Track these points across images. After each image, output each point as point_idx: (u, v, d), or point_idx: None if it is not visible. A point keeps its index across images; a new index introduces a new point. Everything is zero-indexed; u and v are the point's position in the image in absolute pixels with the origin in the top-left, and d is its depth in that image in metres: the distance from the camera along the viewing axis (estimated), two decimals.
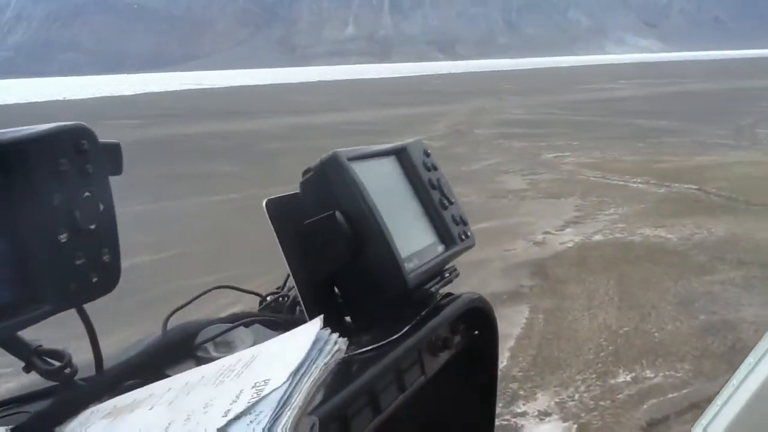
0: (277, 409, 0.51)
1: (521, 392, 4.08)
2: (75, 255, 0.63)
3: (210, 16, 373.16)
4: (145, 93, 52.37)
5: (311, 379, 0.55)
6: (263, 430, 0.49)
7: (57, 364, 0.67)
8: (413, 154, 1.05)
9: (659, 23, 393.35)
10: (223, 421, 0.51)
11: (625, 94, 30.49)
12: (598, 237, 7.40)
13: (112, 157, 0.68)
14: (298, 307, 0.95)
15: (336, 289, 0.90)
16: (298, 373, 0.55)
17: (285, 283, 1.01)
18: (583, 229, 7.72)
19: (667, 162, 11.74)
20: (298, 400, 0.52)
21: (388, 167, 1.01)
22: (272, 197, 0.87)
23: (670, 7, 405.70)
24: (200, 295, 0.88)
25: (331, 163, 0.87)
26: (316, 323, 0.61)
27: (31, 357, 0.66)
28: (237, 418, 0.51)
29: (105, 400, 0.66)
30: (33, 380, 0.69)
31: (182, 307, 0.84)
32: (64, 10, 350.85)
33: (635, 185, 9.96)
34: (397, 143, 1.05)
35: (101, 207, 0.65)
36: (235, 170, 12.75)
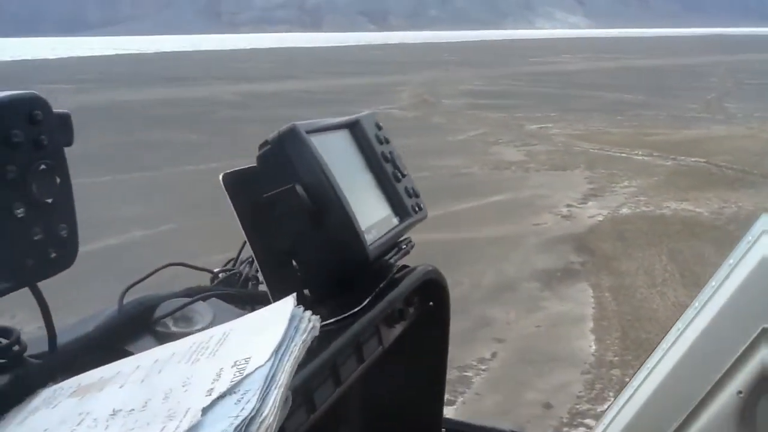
0: (264, 387, 0.50)
1: (627, 379, 3.68)
2: (32, 230, 0.61)
3: None
4: (70, 57, 49.60)
5: (292, 357, 0.54)
6: (253, 409, 0.48)
7: (4, 341, 0.65)
8: (366, 127, 1.02)
9: (587, 1, 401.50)
10: (207, 400, 0.49)
11: (575, 68, 30.58)
12: (625, 210, 7.07)
13: (63, 127, 0.65)
14: (251, 283, 0.97)
15: (294, 263, 0.87)
16: (279, 352, 0.54)
17: (237, 258, 1.00)
18: (605, 202, 7.38)
19: (657, 135, 11.57)
20: (282, 378, 0.52)
21: (343, 140, 1.00)
22: (228, 171, 0.85)
23: None
24: (155, 271, 0.86)
25: (290, 135, 0.86)
26: (290, 301, 0.61)
27: None
28: (222, 396, 0.50)
29: (64, 379, 0.64)
30: None
31: (138, 282, 0.82)
32: None
33: (639, 158, 9.71)
34: (351, 116, 1.02)
35: (57, 180, 0.63)
36: (201, 139, 11.89)
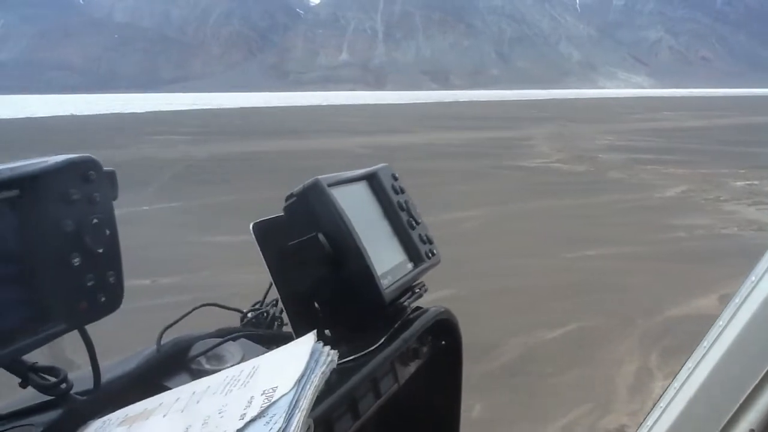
0: (289, 412, 0.57)
1: None
2: (85, 277, 0.67)
3: (203, 38, 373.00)
4: (158, 111, 50.49)
5: (312, 386, 0.61)
6: (280, 429, 0.55)
7: (52, 380, 0.70)
8: (383, 179, 1.10)
9: (649, 60, 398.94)
10: (240, 424, 0.57)
11: (691, 125, 29.25)
12: None
13: (111, 184, 0.71)
14: (276, 323, 1.04)
15: (316, 304, 0.94)
16: (301, 381, 0.61)
17: (264, 300, 1.06)
18: None
19: None
20: (304, 404, 0.59)
21: (362, 191, 1.06)
22: (258, 221, 0.93)
23: (660, 45, 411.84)
24: (189, 313, 0.92)
25: (313, 188, 0.93)
26: (311, 338, 0.68)
27: (28, 373, 0.68)
28: (253, 420, 0.57)
29: (108, 413, 0.69)
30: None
31: (174, 323, 0.89)
32: (53, 30, 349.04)
33: None
34: (368, 169, 1.09)
35: (107, 232, 0.69)
36: None
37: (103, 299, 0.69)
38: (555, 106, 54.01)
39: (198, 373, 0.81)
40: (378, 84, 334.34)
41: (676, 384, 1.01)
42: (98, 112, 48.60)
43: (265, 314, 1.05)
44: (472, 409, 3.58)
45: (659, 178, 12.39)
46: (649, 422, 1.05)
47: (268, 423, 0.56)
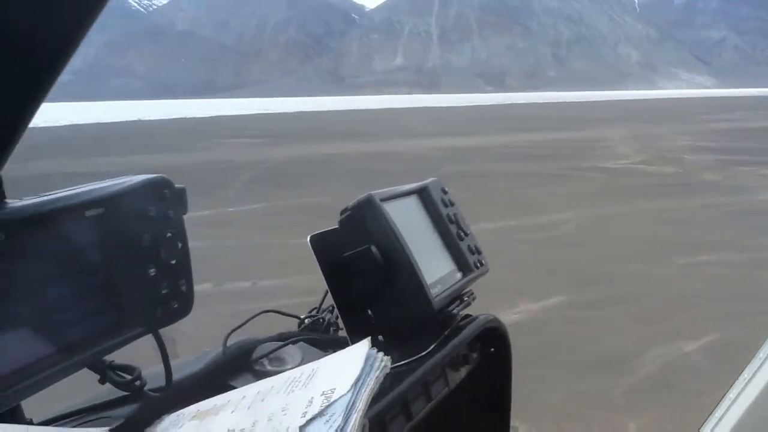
0: (346, 412, 0.61)
1: None
2: (161, 285, 0.73)
3: (260, 45, 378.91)
4: (219, 116, 51.27)
5: (368, 389, 0.65)
6: (339, 426, 0.59)
7: (127, 377, 0.77)
8: (433, 193, 1.15)
9: (712, 60, 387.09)
10: (302, 421, 0.61)
11: None
12: None
13: (182, 200, 0.78)
14: (332, 329, 1.09)
15: (369, 312, 0.99)
16: (357, 384, 0.65)
17: (320, 306, 1.12)
18: None
19: None
20: (360, 405, 0.62)
21: (413, 205, 1.11)
22: (314, 233, 0.98)
23: (724, 45, 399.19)
24: (252, 318, 0.99)
25: (367, 203, 0.98)
26: (366, 344, 0.71)
27: (107, 371, 0.75)
28: (314, 418, 0.61)
29: (178, 408, 0.74)
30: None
31: (238, 327, 0.95)
32: (120, 39, 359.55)
33: None
34: (419, 183, 1.14)
35: (179, 245, 0.76)
36: (467, 197, 10.70)
37: (175, 306, 0.75)
38: (617, 108, 52.73)
39: (261, 374, 0.87)
40: (432, 87, 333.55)
41: (746, 375, 1.03)
42: (162, 118, 49.64)
43: (321, 320, 1.10)
44: (627, 430, 3.31)
45: (759, 180, 11.80)
46: (718, 413, 1.10)
47: (327, 421, 0.60)
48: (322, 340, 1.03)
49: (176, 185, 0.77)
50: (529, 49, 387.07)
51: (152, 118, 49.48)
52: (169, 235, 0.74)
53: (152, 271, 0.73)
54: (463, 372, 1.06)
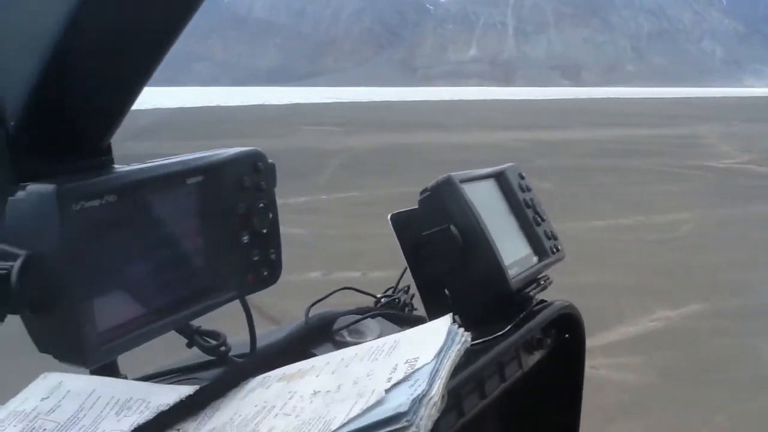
0: (431, 378, 0.62)
1: None
2: (252, 253, 0.77)
3: (335, 34, 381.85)
4: (297, 104, 51.60)
5: (450, 361, 0.66)
6: (423, 390, 0.60)
7: (213, 342, 0.80)
8: (510, 177, 1.16)
9: None
10: (387, 385, 0.63)
11: None
12: None
13: (273, 174, 0.81)
14: (407, 308, 1.11)
15: (447, 291, 1.02)
16: (440, 354, 0.66)
17: (396, 286, 1.14)
18: None
19: None
20: (443, 373, 0.64)
21: (490, 188, 1.13)
22: (395, 212, 1.02)
23: None
24: (333, 293, 1.04)
25: (446, 184, 1.01)
26: (447, 319, 0.73)
27: (194, 336, 0.79)
28: (398, 383, 0.63)
29: (264, 372, 0.77)
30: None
31: (320, 300, 1.01)
32: (201, 26, 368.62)
33: None
34: (496, 167, 1.15)
35: (270, 215, 0.78)
36: (570, 191, 10.22)
37: (265, 273, 0.78)
38: (705, 105, 50.44)
39: (341, 345, 0.89)
40: (506, 79, 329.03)
41: None
42: (241, 104, 50.38)
43: (396, 300, 1.11)
44: None
45: None
46: None
47: (412, 386, 0.61)
48: (399, 316, 1.05)
49: (269, 161, 0.80)
50: (607, 43, 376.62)
51: (231, 104, 50.28)
52: (261, 205, 0.77)
53: (245, 239, 0.75)
54: (537, 356, 1.05)
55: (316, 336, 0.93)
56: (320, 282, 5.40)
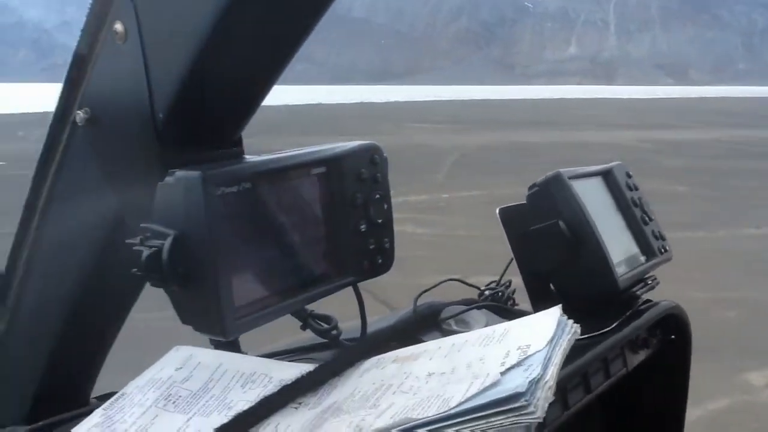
0: (544, 363, 0.64)
1: None
2: (369, 241, 0.81)
3: (432, 33, 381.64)
4: (397, 102, 51.56)
5: (561, 349, 0.67)
6: (537, 376, 0.61)
7: (325, 326, 0.85)
8: (618, 176, 1.16)
9: None
10: (502, 368, 0.64)
11: None
12: None
13: (387, 167, 0.85)
14: (509, 302, 1.13)
15: (552, 286, 1.04)
16: (552, 342, 0.67)
17: (499, 280, 1.17)
18: None
19: None
20: (556, 360, 0.65)
21: (598, 186, 1.14)
22: (503, 206, 1.06)
23: None
24: (439, 284, 1.09)
25: (555, 180, 1.03)
26: (557, 310, 0.74)
27: (308, 319, 0.84)
28: (512, 367, 0.64)
29: (376, 354, 0.80)
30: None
31: (427, 290, 1.05)
32: None
33: None
34: (603, 165, 1.16)
35: (385, 206, 0.82)
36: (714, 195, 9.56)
37: (380, 260, 0.82)
38: None
39: (448, 333, 0.92)
40: (607, 78, 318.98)
41: None
42: (342, 102, 50.88)
43: (500, 293, 1.14)
44: None
45: None
46: None
47: (526, 370, 0.63)
48: (504, 309, 1.07)
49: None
50: (717, 40, 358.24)
51: (333, 102, 50.88)
52: (377, 196, 0.81)
53: (363, 227, 0.79)
54: (642, 355, 1.04)
55: (423, 324, 0.96)
56: (457, 287, 5.20)
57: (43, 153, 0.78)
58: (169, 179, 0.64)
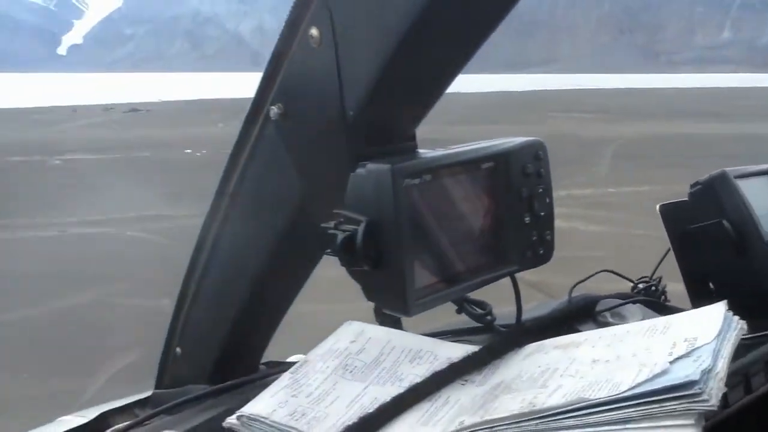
0: (714, 355, 0.63)
1: None
2: (532, 233, 0.82)
3: (572, 20, 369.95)
4: (536, 90, 50.00)
5: (729, 343, 0.67)
6: (708, 367, 0.61)
7: (480, 311, 0.90)
8: None
9: None
10: (670, 358, 0.64)
11: None
12: None
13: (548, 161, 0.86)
14: (661, 298, 1.12)
15: (711, 284, 1.02)
16: (720, 335, 0.66)
17: (652, 275, 1.15)
18: None
19: None
20: (726, 353, 0.65)
21: (765, 186, 1.09)
22: (664, 203, 1.05)
23: None
24: (594, 274, 1.09)
25: (720, 179, 1.01)
26: (723, 305, 0.73)
27: (464, 304, 0.88)
28: (680, 357, 0.64)
29: (533, 340, 0.82)
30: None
31: (582, 281, 1.06)
32: None
33: None
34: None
35: (547, 200, 0.84)
36: None
37: (541, 251, 0.83)
38: None
39: (603, 325, 0.92)
40: (766, 65, 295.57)
41: None
42: (477, 91, 50.02)
43: (654, 288, 1.12)
44: None
45: None
46: None
47: (695, 361, 0.62)
48: (659, 304, 1.05)
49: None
50: None
51: (470, 90, 50.14)
52: (540, 190, 0.82)
53: (527, 219, 0.81)
54: None
55: (578, 315, 0.97)
56: (609, 281, 4.57)
57: (237, 143, 0.83)
58: (360, 171, 0.68)
